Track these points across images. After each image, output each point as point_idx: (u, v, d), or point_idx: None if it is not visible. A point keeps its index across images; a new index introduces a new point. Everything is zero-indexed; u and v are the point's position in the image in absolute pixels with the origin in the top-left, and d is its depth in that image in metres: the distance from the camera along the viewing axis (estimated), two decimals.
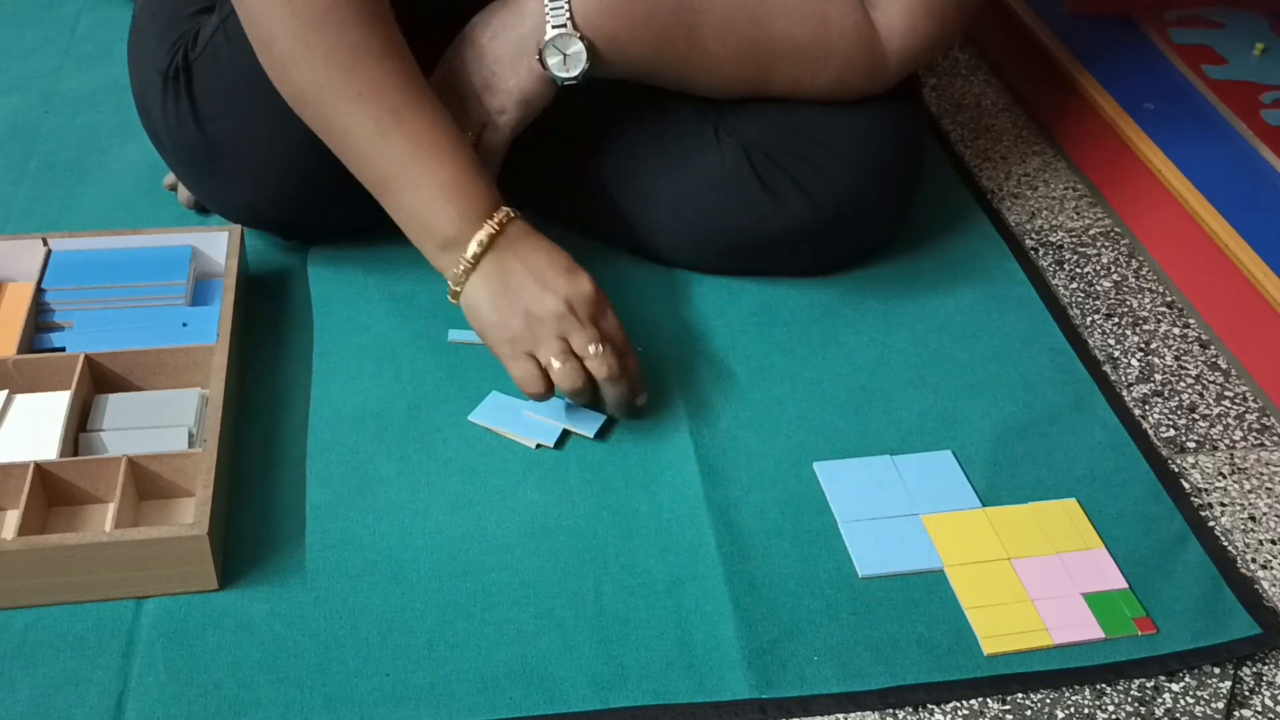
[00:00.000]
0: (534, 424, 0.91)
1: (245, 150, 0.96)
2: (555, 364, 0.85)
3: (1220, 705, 0.75)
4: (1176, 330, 1.05)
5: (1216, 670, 0.77)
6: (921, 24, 0.97)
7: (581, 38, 0.92)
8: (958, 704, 0.75)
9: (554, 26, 0.91)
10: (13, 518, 0.78)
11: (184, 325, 0.94)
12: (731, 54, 0.96)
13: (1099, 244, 1.15)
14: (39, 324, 0.94)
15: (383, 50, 0.86)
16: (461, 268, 0.86)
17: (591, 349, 0.85)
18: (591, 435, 0.90)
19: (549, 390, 0.87)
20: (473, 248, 0.86)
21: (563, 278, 0.86)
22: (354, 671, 0.75)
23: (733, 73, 0.98)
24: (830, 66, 0.97)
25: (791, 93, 0.99)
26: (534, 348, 0.86)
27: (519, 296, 0.86)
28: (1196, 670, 0.77)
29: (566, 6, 0.91)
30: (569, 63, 0.93)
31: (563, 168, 1.05)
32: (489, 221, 0.86)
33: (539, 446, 0.90)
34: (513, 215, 0.88)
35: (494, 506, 0.85)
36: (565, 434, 0.91)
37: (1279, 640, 0.79)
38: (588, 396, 0.88)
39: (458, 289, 0.87)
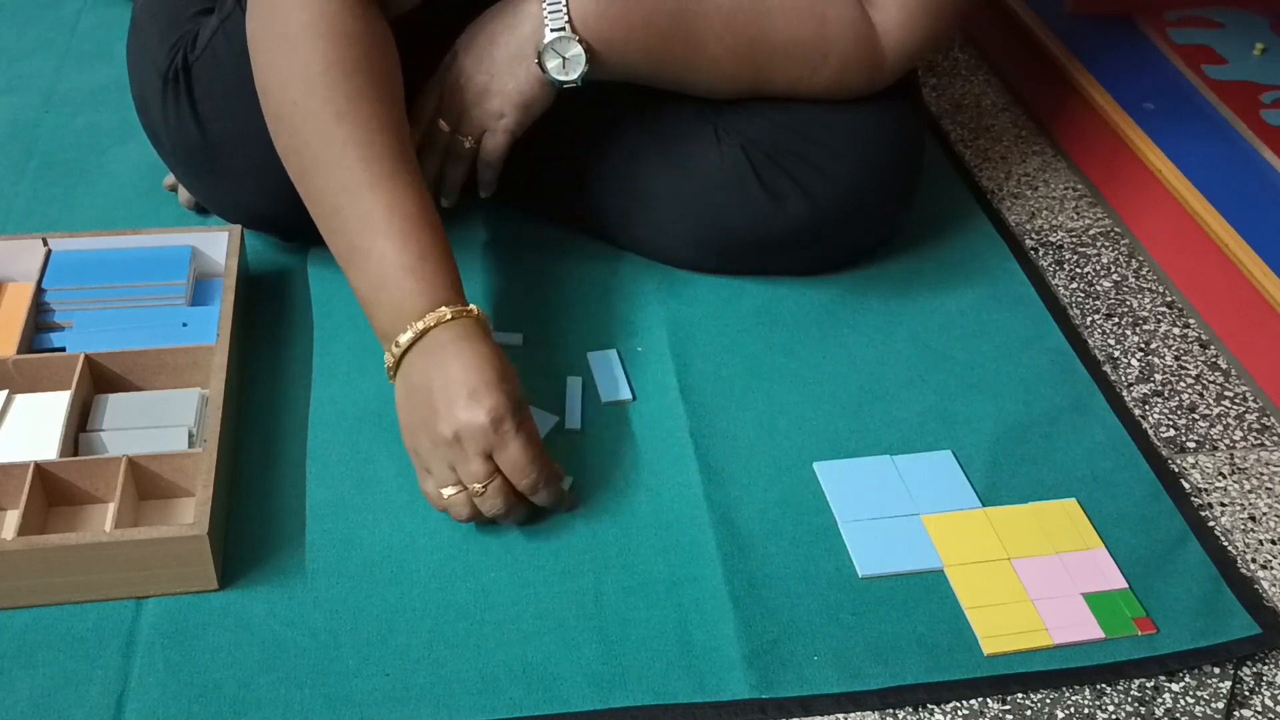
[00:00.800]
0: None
1: (245, 151, 0.96)
2: (445, 492, 0.81)
3: (1220, 705, 0.75)
4: (1176, 330, 1.05)
5: (1216, 670, 0.77)
6: (918, 20, 0.97)
7: (580, 40, 0.92)
8: (958, 704, 0.75)
9: (552, 30, 0.91)
10: (13, 518, 0.78)
11: (184, 325, 0.94)
12: (730, 54, 0.96)
13: (1099, 244, 1.15)
14: (39, 324, 0.94)
15: (369, 119, 0.84)
16: (388, 364, 0.83)
17: (477, 488, 0.79)
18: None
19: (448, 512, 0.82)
20: (394, 349, 0.82)
21: (459, 404, 0.78)
22: (354, 671, 0.75)
23: (732, 73, 0.98)
24: (829, 65, 0.97)
25: (791, 92, 1.00)
26: (429, 469, 0.81)
27: (417, 413, 0.81)
28: (1196, 670, 0.77)
29: (564, 10, 0.91)
30: (568, 66, 0.93)
31: (563, 169, 1.05)
32: (432, 313, 0.81)
33: None
34: (448, 316, 0.81)
35: None
36: (563, 429, 0.91)
37: (1279, 640, 0.79)
38: (496, 516, 0.82)
39: (390, 380, 0.84)
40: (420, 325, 0.81)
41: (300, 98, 0.84)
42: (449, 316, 0.81)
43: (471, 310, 0.83)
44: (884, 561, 0.82)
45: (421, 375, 0.81)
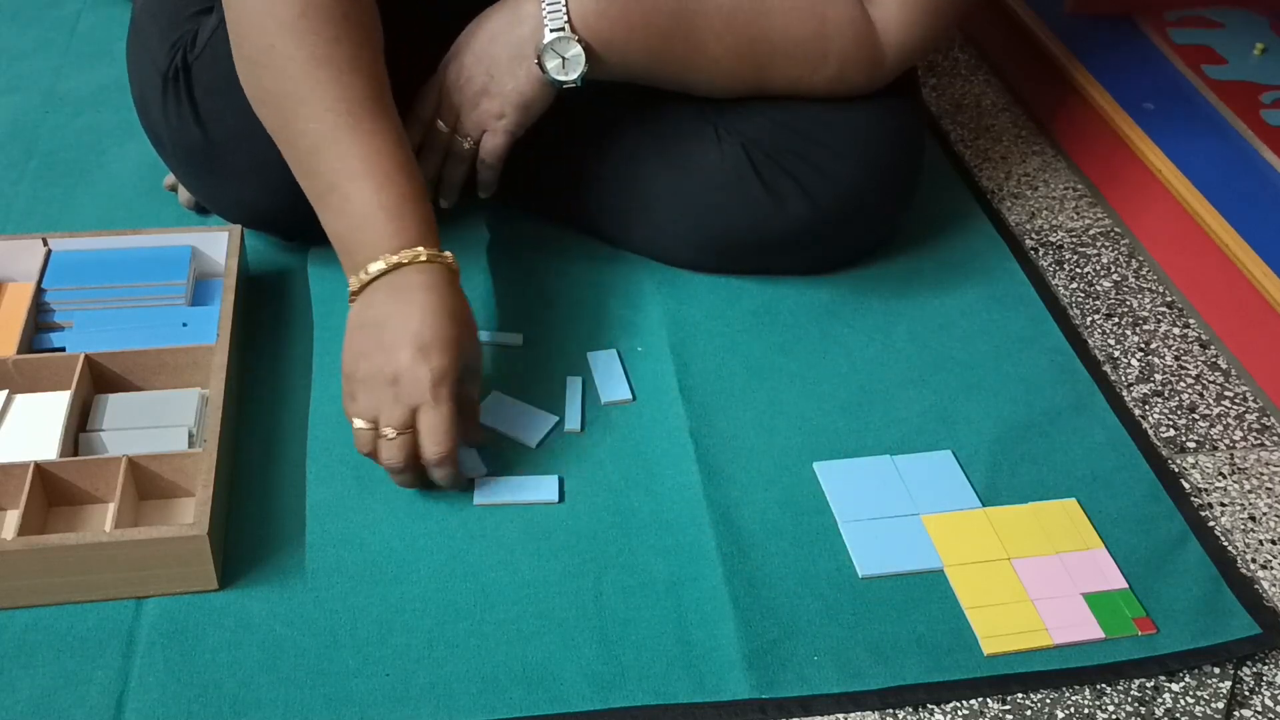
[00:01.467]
0: (534, 423, 0.91)
1: (245, 150, 0.96)
2: (356, 423, 0.81)
3: (1220, 705, 0.75)
4: (1176, 330, 1.05)
5: (1216, 670, 0.77)
6: (918, 18, 0.97)
7: (579, 40, 0.92)
8: (958, 704, 0.75)
9: (552, 30, 0.91)
10: (13, 518, 0.78)
11: (184, 325, 0.94)
12: (730, 54, 0.96)
13: (1099, 244, 1.15)
14: (39, 324, 0.94)
15: (348, 63, 0.84)
16: (350, 289, 0.83)
17: (389, 432, 0.80)
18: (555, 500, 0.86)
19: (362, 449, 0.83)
20: (362, 276, 0.82)
21: (407, 351, 0.79)
22: (354, 671, 0.75)
23: (732, 72, 0.98)
24: (829, 63, 0.97)
25: (791, 90, 0.99)
26: (354, 395, 0.82)
27: (366, 343, 0.81)
28: (1196, 670, 0.77)
29: (564, 10, 0.91)
30: (567, 66, 0.93)
31: (562, 169, 1.05)
32: (389, 256, 0.82)
33: (539, 445, 0.90)
34: (422, 257, 0.82)
35: (494, 507, 0.85)
36: (563, 429, 0.91)
37: (1279, 640, 0.79)
38: (388, 467, 0.83)
39: (351, 300, 0.84)
40: (394, 259, 0.81)
41: (278, 41, 0.83)
42: (423, 257, 0.82)
43: (446, 257, 0.84)
44: (884, 561, 0.82)
45: (382, 310, 0.81)
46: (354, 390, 0.82)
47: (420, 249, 0.83)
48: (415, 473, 0.83)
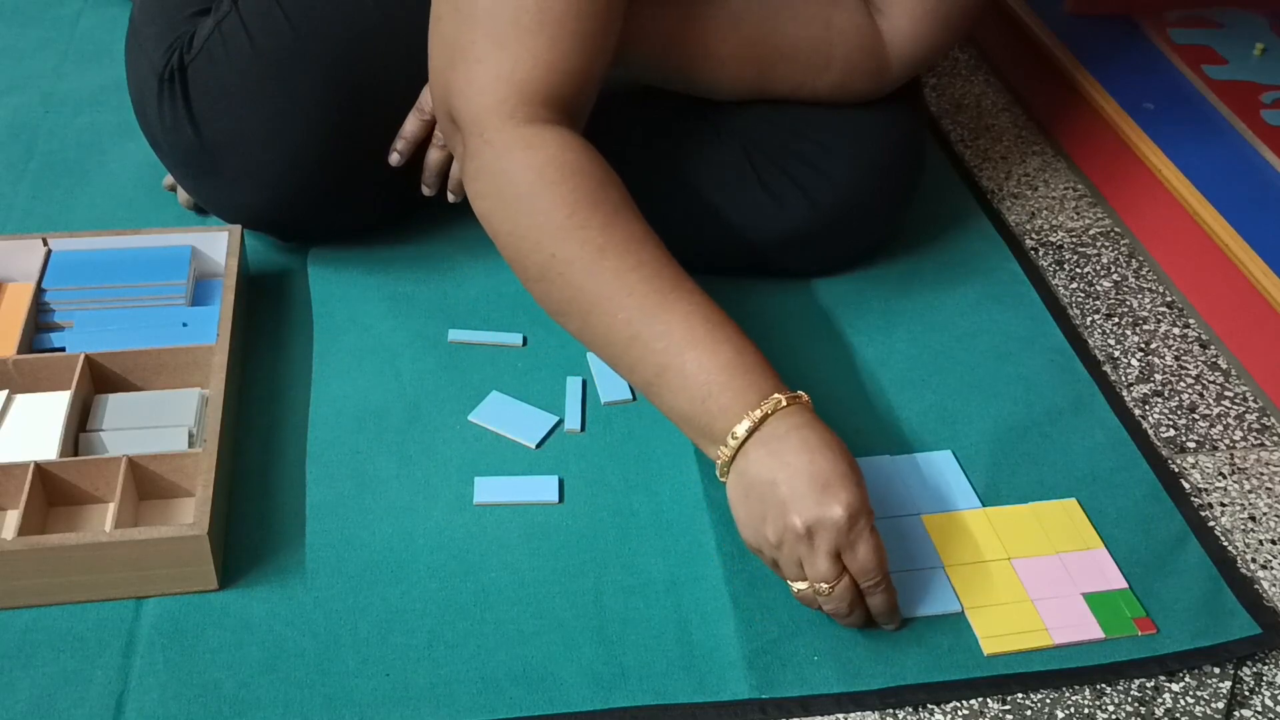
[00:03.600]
0: (533, 424, 0.91)
1: (242, 152, 0.96)
2: (796, 587, 0.76)
3: (1220, 705, 0.75)
4: (1176, 330, 1.05)
5: (1216, 670, 0.77)
6: (927, 29, 0.97)
7: None
8: (958, 704, 0.75)
9: None
10: (13, 518, 0.78)
11: (184, 325, 0.94)
12: (734, 57, 0.96)
13: (1099, 244, 1.15)
14: (39, 324, 0.94)
15: (627, 239, 0.80)
16: (721, 460, 0.77)
17: (823, 587, 0.74)
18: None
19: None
20: (730, 442, 0.76)
21: (812, 498, 0.73)
22: (354, 671, 0.74)
23: (735, 74, 0.98)
24: (832, 70, 0.97)
25: (794, 95, 1.00)
26: (775, 561, 0.77)
27: (762, 506, 0.75)
28: (1196, 670, 0.77)
29: None
30: None
31: None
32: (752, 412, 0.75)
33: (539, 446, 0.90)
34: (783, 403, 0.76)
35: (494, 507, 0.85)
36: (563, 429, 0.91)
37: (1279, 640, 0.79)
38: (837, 616, 0.77)
39: (721, 479, 0.78)
40: (757, 414, 0.75)
41: (557, 248, 0.79)
42: (784, 403, 0.76)
43: (800, 396, 0.78)
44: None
45: (764, 467, 0.74)
46: (774, 558, 0.76)
47: (777, 396, 0.76)
48: (864, 609, 0.77)
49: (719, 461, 0.77)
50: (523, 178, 0.80)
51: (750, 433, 0.75)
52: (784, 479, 0.73)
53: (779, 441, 0.75)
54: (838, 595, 0.74)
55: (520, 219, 0.81)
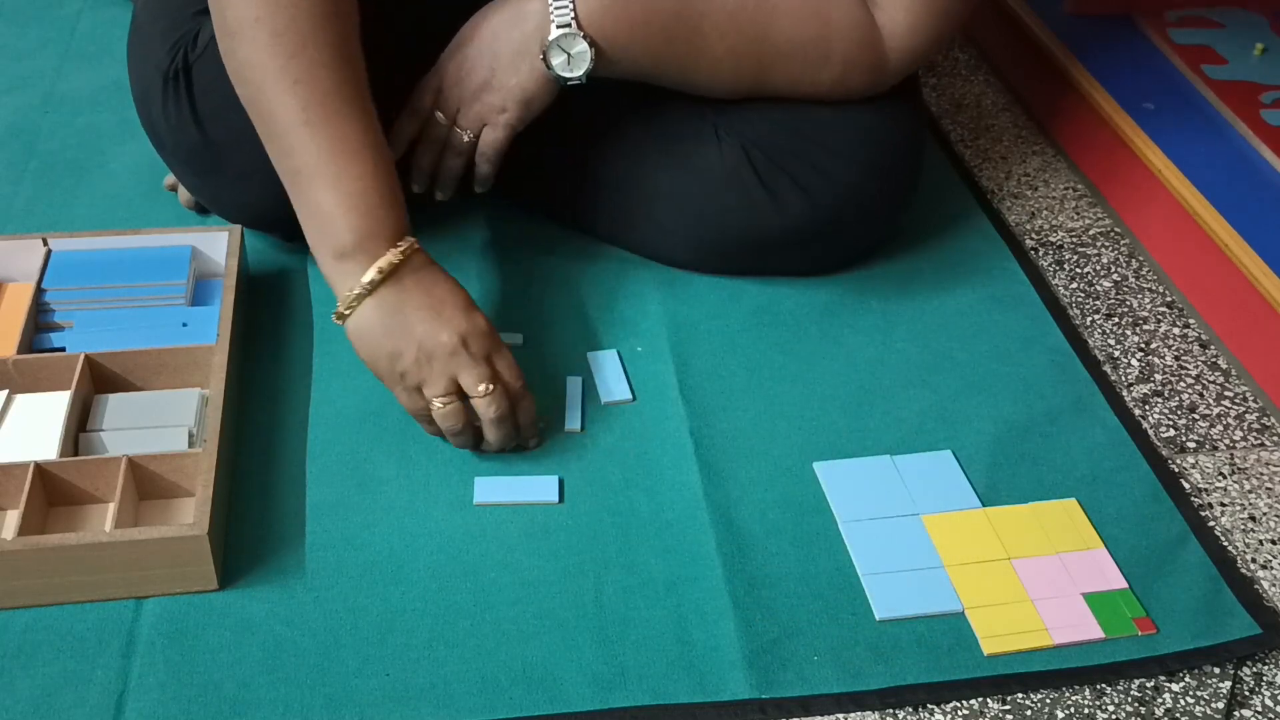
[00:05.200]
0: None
1: (246, 150, 0.96)
2: (437, 404, 0.84)
3: (1220, 705, 0.75)
4: (1176, 330, 1.05)
5: (1216, 670, 0.77)
6: (924, 22, 0.97)
7: (585, 37, 0.91)
8: (958, 704, 0.75)
9: (558, 26, 0.91)
10: (13, 518, 0.78)
11: (184, 325, 0.94)
12: (733, 53, 0.96)
13: (1099, 244, 1.15)
14: (39, 324, 0.94)
15: (332, 44, 0.83)
16: (356, 291, 0.83)
17: (481, 388, 0.84)
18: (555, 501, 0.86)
19: (435, 429, 0.86)
20: (371, 273, 0.83)
21: (460, 313, 0.84)
22: (354, 671, 0.75)
23: (734, 71, 0.97)
24: (831, 65, 0.97)
25: (793, 92, 0.99)
26: (422, 383, 0.84)
27: (413, 329, 0.83)
28: (1196, 670, 0.77)
29: (571, 6, 0.91)
30: (573, 62, 0.93)
31: (563, 168, 1.05)
32: (393, 249, 0.83)
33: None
34: (417, 246, 0.85)
35: (494, 507, 0.85)
36: (563, 429, 0.91)
37: (1279, 640, 0.79)
38: (469, 438, 0.86)
39: (346, 312, 0.84)
40: (405, 246, 0.84)
41: (265, 14, 0.83)
42: (417, 248, 0.85)
43: (414, 242, 0.85)
44: (884, 562, 0.82)
45: (414, 294, 0.84)
46: (414, 381, 0.84)
47: (404, 241, 0.84)
48: (512, 423, 0.86)
49: (351, 292, 0.83)
50: None
51: (394, 267, 0.83)
52: (430, 303, 0.83)
53: (413, 277, 0.84)
54: (496, 397, 0.84)
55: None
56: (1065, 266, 1.12)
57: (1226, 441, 0.94)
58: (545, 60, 0.93)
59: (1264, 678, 0.77)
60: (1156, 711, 0.75)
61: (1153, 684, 0.77)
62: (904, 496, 0.87)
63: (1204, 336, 1.05)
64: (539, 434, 0.89)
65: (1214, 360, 1.02)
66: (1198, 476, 0.91)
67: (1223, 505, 0.89)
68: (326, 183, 0.84)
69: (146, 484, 0.82)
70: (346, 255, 0.83)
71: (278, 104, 0.83)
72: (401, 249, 0.84)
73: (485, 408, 0.84)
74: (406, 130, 0.97)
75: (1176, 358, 1.02)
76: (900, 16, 0.96)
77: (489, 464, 0.88)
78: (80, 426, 0.86)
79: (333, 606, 0.78)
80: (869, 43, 0.97)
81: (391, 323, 0.83)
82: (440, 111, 0.97)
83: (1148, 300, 1.09)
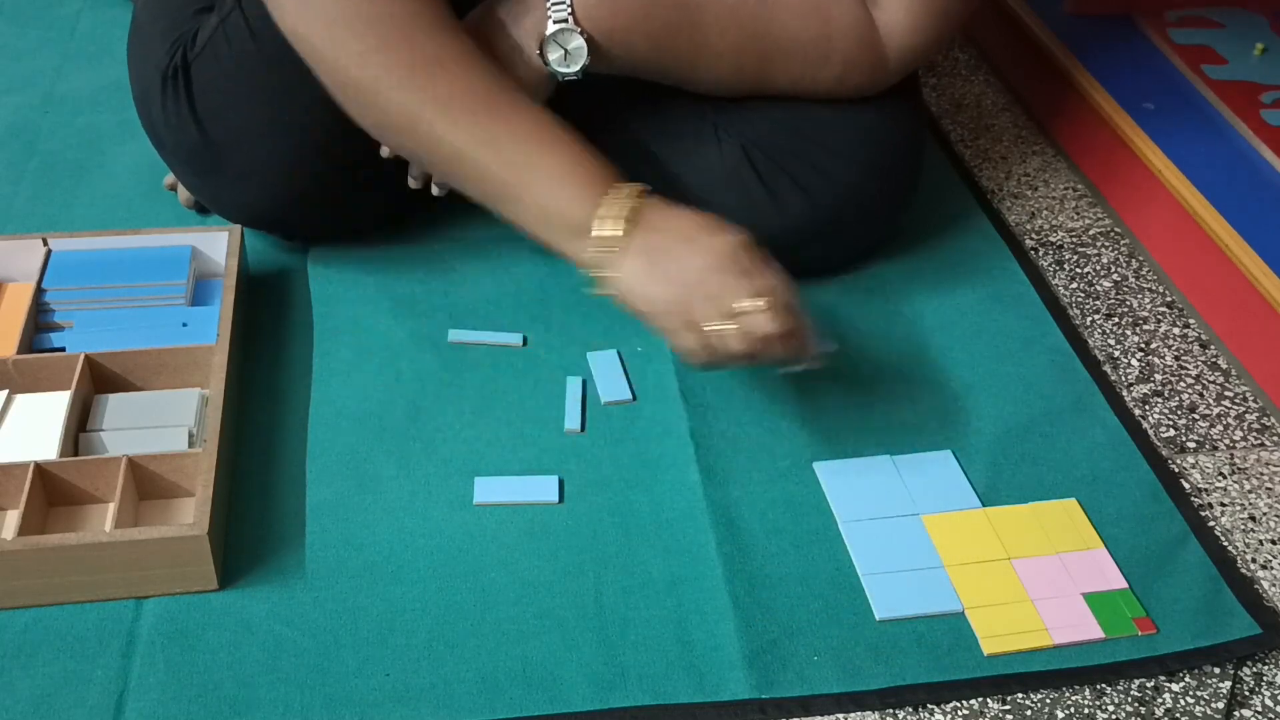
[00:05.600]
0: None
1: (245, 150, 0.96)
2: (714, 327, 0.80)
3: (1220, 705, 0.75)
4: (1176, 330, 1.05)
5: (1216, 670, 0.77)
6: (923, 21, 0.97)
7: (583, 33, 0.91)
8: (958, 704, 0.75)
9: (555, 21, 0.91)
10: (13, 518, 0.78)
11: (184, 325, 0.94)
12: (732, 50, 0.96)
13: (1099, 244, 1.15)
14: (39, 324, 0.94)
15: (447, 43, 0.84)
16: (607, 250, 0.81)
17: (749, 304, 0.79)
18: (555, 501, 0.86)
19: (718, 359, 0.82)
20: (615, 227, 0.81)
21: (713, 234, 0.82)
22: (354, 671, 0.75)
23: (733, 69, 0.97)
24: (831, 64, 0.97)
25: (792, 90, 0.99)
26: (696, 316, 0.81)
27: (673, 264, 0.81)
28: (1196, 670, 0.77)
29: (568, 1, 0.91)
30: (569, 58, 0.92)
31: None
32: (620, 196, 0.82)
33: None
34: (637, 186, 0.83)
35: (494, 507, 0.85)
36: (563, 429, 0.91)
37: (1279, 640, 0.79)
38: (776, 340, 0.82)
39: (609, 273, 0.82)
40: (629, 189, 0.82)
41: (384, 58, 0.83)
42: (638, 187, 0.83)
43: (629, 182, 0.84)
44: (884, 562, 0.82)
45: (662, 233, 0.81)
46: (695, 303, 0.80)
47: (628, 186, 0.83)
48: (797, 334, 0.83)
49: (604, 253, 0.81)
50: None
51: (634, 212, 0.81)
52: (682, 232, 0.81)
53: (660, 210, 0.82)
54: (778, 308, 0.79)
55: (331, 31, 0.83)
56: (1065, 266, 1.12)
57: (1226, 441, 0.94)
58: (542, 55, 0.92)
59: (1264, 678, 0.77)
60: (1156, 711, 0.75)
61: (1153, 684, 0.77)
62: (904, 496, 0.87)
63: (1204, 336, 1.05)
64: (816, 345, 0.84)
65: (1214, 360, 1.02)
66: (1198, 476, 0.91)
67: (1223, 505, 0.89)
68: (529, 186, 0.83)
69: (146, 484, 0.82)
70: (582, 229, 0.82)
71: (445, 135, 0.83)
72: (625, 192, 0.83)
73: (764, 324, 0.80)
74: None
75: (1176, 358, 1.02)
76: (900, 16, 0.96)
77: (489, 464, 0.88)
78: (80, 426, 0.86)
79: (333, 606, 0.78)
80: (869, 42, 0.97)
81: (654, 267, 0.81)
82: None
83: (1148, 300, 1.09)
